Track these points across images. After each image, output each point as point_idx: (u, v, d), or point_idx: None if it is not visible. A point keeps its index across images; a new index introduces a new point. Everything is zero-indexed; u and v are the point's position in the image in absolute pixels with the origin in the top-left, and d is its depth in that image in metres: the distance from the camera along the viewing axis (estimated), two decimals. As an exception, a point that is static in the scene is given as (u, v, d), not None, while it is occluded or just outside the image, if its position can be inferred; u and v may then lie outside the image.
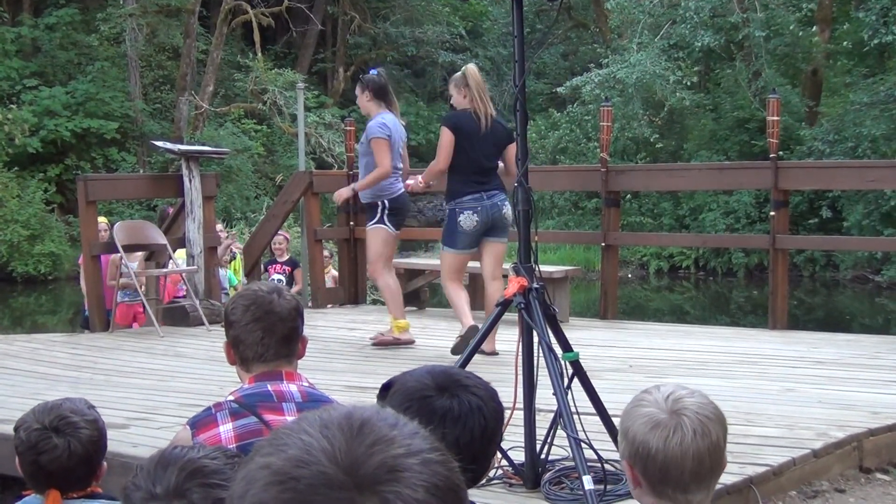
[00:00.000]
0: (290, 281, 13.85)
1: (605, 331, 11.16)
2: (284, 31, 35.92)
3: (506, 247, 9.64)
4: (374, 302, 15.38)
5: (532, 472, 5.54)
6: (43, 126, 29.65)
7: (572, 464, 5.30)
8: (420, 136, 35.92)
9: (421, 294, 13.03)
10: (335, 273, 14.45)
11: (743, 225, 26.81)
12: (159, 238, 12.04)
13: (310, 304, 13.17)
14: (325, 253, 14.07)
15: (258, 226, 15.46)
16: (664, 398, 2.63)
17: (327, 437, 1.18)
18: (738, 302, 25.47)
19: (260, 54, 31.23)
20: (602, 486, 5.17)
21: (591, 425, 5.45)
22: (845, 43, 29.49)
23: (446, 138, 9.16)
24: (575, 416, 5.22)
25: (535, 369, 5.57)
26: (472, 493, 2.81)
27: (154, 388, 8.49)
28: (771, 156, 11.19)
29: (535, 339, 5.52)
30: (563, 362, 5.42)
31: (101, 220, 12.92)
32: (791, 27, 28.17)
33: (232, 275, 13.95)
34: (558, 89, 31.82)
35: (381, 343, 10.01)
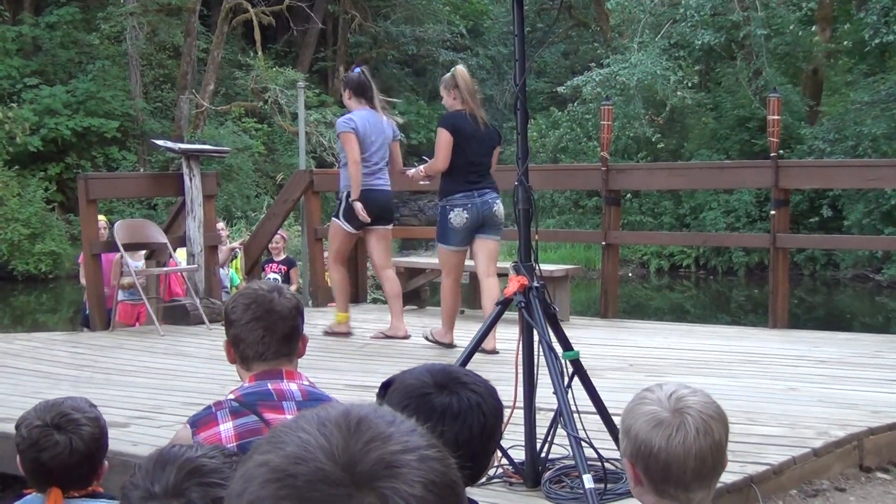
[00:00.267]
0: (287, 280, 13.85)
1: (606, 330, 11.16)
2: (285, 30, 35.91)
3: (498, 244, 9.76)
4: (375, 301, 15.39)
5: (532, 471, 5.54)
6: (44, 125, 29.64)
7: (572, 462, 5.30)
8: (420, 134, 35.94)
9: (421, 293, 13.03)
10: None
11: (743, 224, 26.80)
12: (159, 237, 12.04)
13: (310, 303, 13.17)
14: (326, 252, 14.06)
15: (258, 224, 15.46)
16: (667, 397, 2.63)
17: (325, 434, 1.19)
18: (738, 301, 25.47)
19: (261, 53, 31.22)
20: (602, 485, 5.17)
21: (591, 424, 5.45)
22: (845, 42, 29.48)
23: (444, 139, 9.26)
24: (575, 415, 5.22)
25: (535, 368, 5.57)
26: (473, 492, 2.81)
27: (154, 386, 8.49)
28: (771, 155, 11.19)
29: (536, 337, 5.52)
30: (563, 361, 5.42)
31: (101, 218, 12.91)
32: (791, 26, 28.16)
33: (234, 274, 13.95)
34: (559, 89, 31.81)
35: (331, 334, 10.55)
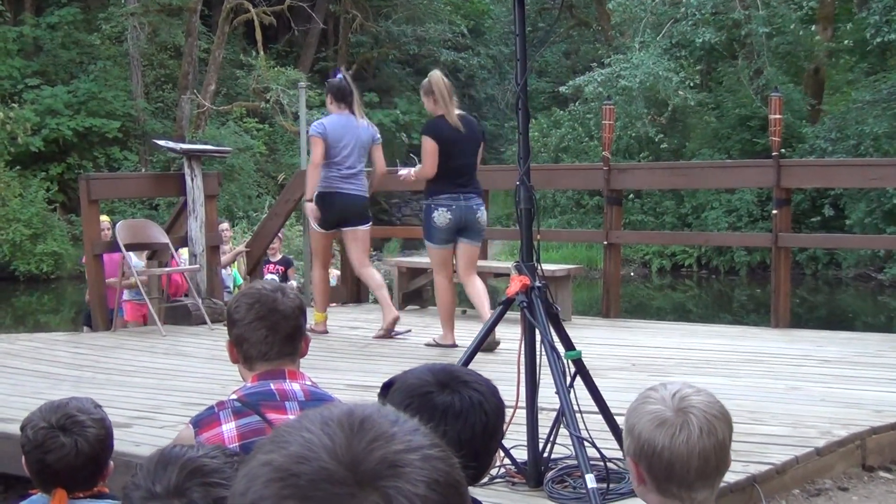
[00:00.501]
0: (284, 280, 13.83)
1: (608, 329, 11.16)
2: (286, 30, 35.90)
3: (478, 250, 10.04)
4: (376, 301, 15.38)
5: (535, 471, 5.54)
6: (45, 125, 29.65)
7: (575, 462, 5.30)
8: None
9: (423, 293, 13.02)
10: (336, 272, 14.45)
11: (745, 223, 26.79)
12: (161, 237, 12.04)
13: (312, 302, 13.17)
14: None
15: (260, 225, 15.45)
16: (671, 396, 2.62)
17: (328, 433, 1.19)
18: (740, 300, 25.47)
19: (262, 53, 31.22)
20: (605, 485, 5.17)
21: (593, 424, 5.45)
22: (846, 42, 29.48)
23: (430, 147, 9.45)
24: (577, 415, 5.22)
25: (537, 368, 5.57)
26: (475, 492, 2.81)
27: (156, 387, 8.49)
28: (773, 154, 11.19)
29: (538, 337, 5.52)
30: (565, 361, 5.42)
31: (104, 218, 12.91)
32: (792, 25, 28.16)
33: (237, 274, 13.95)
34: (561, 89, 31.81)
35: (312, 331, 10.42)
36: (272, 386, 3.53)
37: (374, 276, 10.62)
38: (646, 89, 27.77)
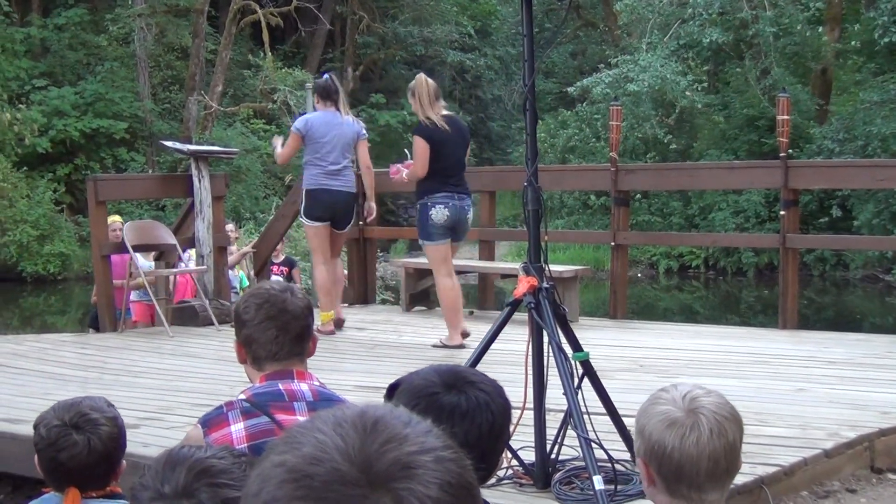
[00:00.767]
0: (289, 281, 13.84)
1: (615, 330, 11.14)
2: (293, 31, 35.94)
3: (457, 249, 10.33)
4: (384, 301, 15.39)
5: (542, 472, 5.53)
6: (52, 126, 29.71)
7: (583, 464, 5.29)
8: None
9: (430, 294, 13.00)
10: (343, 271, 14.45)
11: (752, 224, 26.78)
12: (169, 238, 12.05)
13: (318, 303, 13.16)
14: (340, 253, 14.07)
15: (267, 226, 15.45)
16: (681, 397, 2.62)
17: (341, 434, 1.19)
18: (747, 301, 25.45)
19: (269, 54, 31.23)
20: (612, 487, 5.16)
21: (601, 425, 5.44)
22: (853, 42, 29.45)
23: (421, 147, 9.61)
24: (585, 416, 5.21)
25: (545, 369, 5.56)
26: (483, 493, 2.80)
27: (164, 387, 8.48)
28: (781, 155, 11.16)
29: (546, 338, 5.51)
30: (573, 362, 5.41)
31: (116, 218, 12.93)
32: (799, 26, 28.13)
33: (244, 275, 13.95)
34: (569, 90, 31.80)
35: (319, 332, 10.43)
36: (280, 386, 3.53)
37: (335, 270, 11.00)
38: (654, 92, 27.77)
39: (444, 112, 9.77)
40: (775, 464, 5.78)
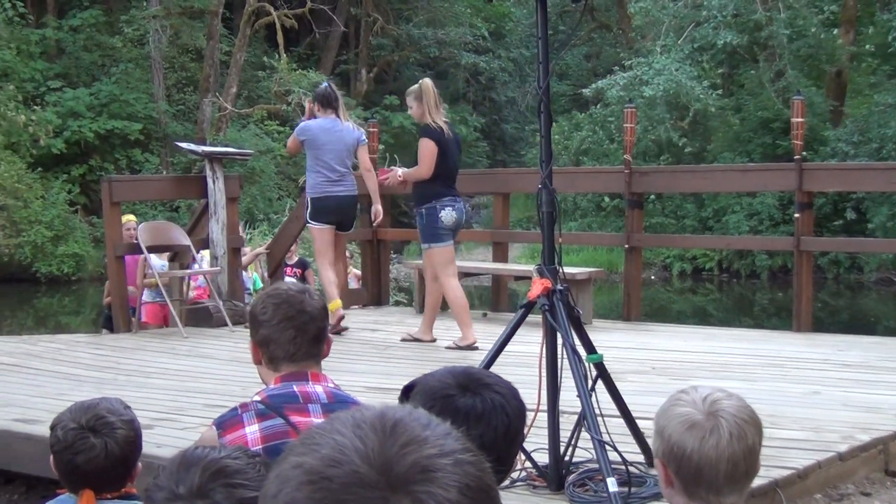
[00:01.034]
0: (302, 282, 13.85)
1: (629, 333, 11.14)
2: (307, 33, 35.94)
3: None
4: (397, 303, 15.40)
5: (556, 474, 5.53)
6: (67, 127, 29.77)
7: (596, 466, 5.29)
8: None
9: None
10: (357, 272, 14.46)
11: (766, 227, 26.73)
12: (183, 239, 12.07)
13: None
14: (348, 254, 14.08)
15: (281, 227, 15.47)
16: (701, 399, 2.62)
17: (360, 436, 1.19)
18: (761, 304, 25.39)
19: (283, 56, 31.26)
20: (626, 489, 5.16)
21: (615, 427, 5.44)
22: (867, 46, 29.38)
23: (430, 149, 9.82)
24: (599, 418, 5.21)
25: (559, 371, 5.56)
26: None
27: (177, 388, 8.50)
28: (795, 157, 11.15)
29: (559, 340, 5.51)
30: (587, 364, 5.41)
31: (130, 217, 12.96)
32: (813, 29, 28.07)
33: (257, 277, 13.96)
34: (584, 91, 31.77)
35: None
36: (295, 388, 3.53)
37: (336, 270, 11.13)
38: (669, 96, 27.72)
39: (445, 118, 10.09)
40: (789, 467, 5.78)
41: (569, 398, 5.68)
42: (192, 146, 14.89)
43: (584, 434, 5.31)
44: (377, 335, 11.02)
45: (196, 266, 12.37)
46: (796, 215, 11.34)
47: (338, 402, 3.52)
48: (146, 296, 12.25)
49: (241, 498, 2.24)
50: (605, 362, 5.60)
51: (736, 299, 26.65)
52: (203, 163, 12.54)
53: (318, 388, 3.55)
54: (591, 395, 5.28)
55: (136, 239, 11.84)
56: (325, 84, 11.64)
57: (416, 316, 12.22)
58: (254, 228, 24.89)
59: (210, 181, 12.08)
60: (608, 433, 5.22)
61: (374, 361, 9.55)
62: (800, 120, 11.27)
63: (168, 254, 12.63)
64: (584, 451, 5.53)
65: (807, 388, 7.99)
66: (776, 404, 7.21)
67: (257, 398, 3.53)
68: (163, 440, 6.43)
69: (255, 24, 31.96)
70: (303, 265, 14.52)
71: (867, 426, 6.66)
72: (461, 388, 2.66)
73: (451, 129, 10.09)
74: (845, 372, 8.77)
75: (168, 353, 10.32)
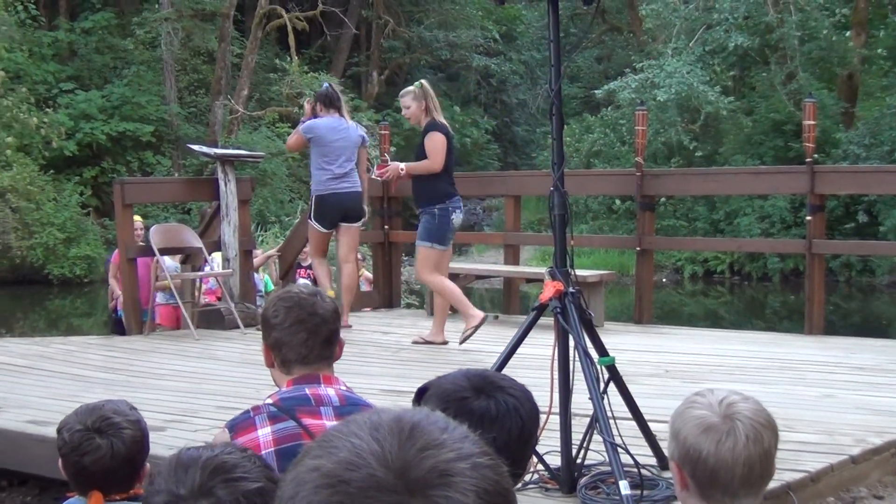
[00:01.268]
0: (315, 284, 13.84)
1: (641, 335, 11.12)
2: (319, 35, 35.99)
3: None
4: (409, 305, 15.41)
5: (568, 477, 5.52)
6: (79, 129, 29.84)
7: (609, 468, 5.28)
8: (455, 139, 35.87)
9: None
10: (368, 275, 14.46)
11: (778, 230, 26.68)
12: (195, 241, 12.09)
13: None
14: (360, 256, 14.08)
15: (293, 229, 15.48)
16: (717, 402, 2.62)
17: (378, 440, 1.18)
18: (773, 307, 25.35)
19: (295, 58, 31.29)
20: (638, 492, 5.15)
21: (627, 430, 5.44)
22: (879, 50, 29.33)
23: (441, 143, 9.92)
24: (611, 421, 5.20)
25: (570, 374, 5.55)
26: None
27: (189, 390, 8.51)
28: (807, 160, 11.13)
29: (571, 343, 5.51)
30: (598, 367, 5.41)
31: (136, 218, 12.98)
32: (825, 31, 28.02)
33: (269, 279, 13.97)
34: (596, 92, 31.76)
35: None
36: (307, 391, 3.53)
37: (348, 275, 11.36)
38: (680, 99, 27.70)
39: (443, 120, 10.19)
40: (802, 470, 5.77)
41: (581, 401, 5.68)
42: (204, 148, 14.92)
43: (597, 437, 5.31)
44: (389, 337, 11.02)
45: (207, 268, 12.39)
46: (808, 218, 11.32)
47: (350, 404, 3.53)
48: (159, 298, 12.27)
49: (243, 492, 2.25)
50: (616, 365, 5.60)
51: (747, 302, 26.61)
52: (215, 165, 12.55)
53: (330, 391, 3.56)
54: (603, 398, 5.28)
55: (143, 240, 11.87)
56: (325, 85, 12.00)
57: (427, 318, 12.22)
58: (266, 230, 24.92)
59: (222, 183, 12.10)
60: (620, 436, 5.22)
61: (387, 364, 9.55)
62: (811, 122, 11.25)
63: (180, 256, 12.65)
64: (596, 453, 5.53)
65: (819, 392, 7.98)
66: (788, 407, 7.20)
67: (269, 401, 3.54)
68: (174, 442, 6.44)
69: (266, 27, 32.00)
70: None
71: (880, 429, 6.65)
72: (475, 390, 2.66)
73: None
74: (858, 375, 8.75)
75: (180, 355, 10.33)
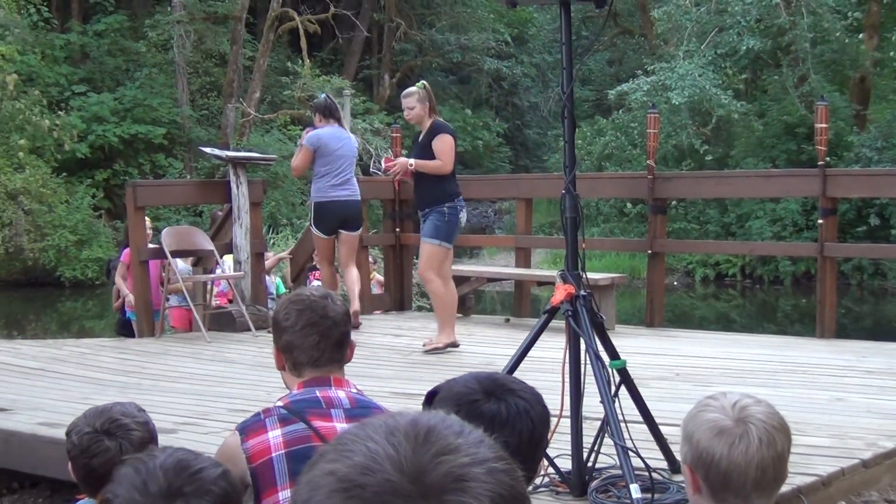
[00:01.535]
0: (328, 286, 13.87)
1: (652, 339, 11.11)
2: (330, 38, 36.05)
3: None
4: (420, 308, 15.40)
5: (579, 480, 5.52)
6: (91, 132, 29.92)
7: (619, 472, 5.28)
8: (466, 142, 35.90)
9: (466, 301, 12.99)
10: (380, 277, 14.46)
11: (790, 233, 26.64)
12: (206, 244, 12.10)
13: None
14: (371, 259, 14.09)
15: (303, 232, 15.49)
16: (731, 405, 2.62)
17: (393, 444, 1.18)
18: (784, 310, 25.31)
19: (307, 61, 31.33)
20: (649, 495, 5.15)
21: (638, 433, 5.43)
22: (892, 53, 29.27)
23: (451, 144, 10.01)
24: (622, 424, 5.20)
25: (582, 377, 5.55)
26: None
27: (201, 393, 8.51)
28: (819, 163, 11.10)
29: (583, 346, 5.51)
30: (610, 370, 5.40)
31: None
32: (837, 34, 27.98)
33: (280, 282, 13.98)
34: (609, 94, 31.73)
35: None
36: (318, 393, 3.54)
37: (350, 274, 11.42)
38: (692, 102, 27.67)
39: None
40: (813, 473, 5.75)
41: (592, 404, 5.67)
42: (216, 151, 14.93)
43: (607, 440, 5.30)
44: (400, 340, 11.02)
45: (219, 271, 12.40)
46: (820, 221, 11.29)
47: (360, 407, 3.53)
48: (172, 300, 12.30)
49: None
50: (628, 368, 5.60)
51: (759, 305, 26.57)
52: (227, 168, 12.57)
53: (341, 393, 3.56)
54: (614, 401, 5.28)
55: (152, 241, 11.90)
56: (323, 95, 12.14)
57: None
58: (277, 233, 24.95)
59: (234, 186, 12.11)
60: (631, 439, 5.22)
61: (398, 366, 9.55)
62: (824, 125, 11.22)
63: (192, 258, 12.66)
64: (607, 457, 5.52)
65: (831, 395, 7.96)
66: (800, 411, 7.18)
67: (280, 403, 3.55)
68: (186, 445, 6.42)
69: (278, 29, 32.05)
70: (332, 270, 14.52)
71: (891, 433, 6.63)
72: (486, 393, 2.67)
73: None
74: (869, 378, 8.73)
75: (191, 358, 10.34)
